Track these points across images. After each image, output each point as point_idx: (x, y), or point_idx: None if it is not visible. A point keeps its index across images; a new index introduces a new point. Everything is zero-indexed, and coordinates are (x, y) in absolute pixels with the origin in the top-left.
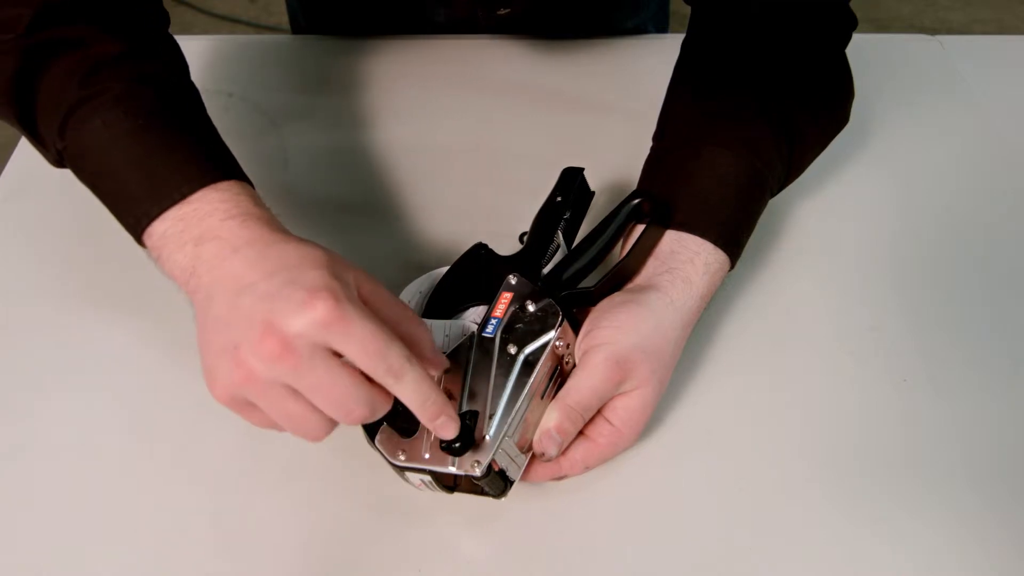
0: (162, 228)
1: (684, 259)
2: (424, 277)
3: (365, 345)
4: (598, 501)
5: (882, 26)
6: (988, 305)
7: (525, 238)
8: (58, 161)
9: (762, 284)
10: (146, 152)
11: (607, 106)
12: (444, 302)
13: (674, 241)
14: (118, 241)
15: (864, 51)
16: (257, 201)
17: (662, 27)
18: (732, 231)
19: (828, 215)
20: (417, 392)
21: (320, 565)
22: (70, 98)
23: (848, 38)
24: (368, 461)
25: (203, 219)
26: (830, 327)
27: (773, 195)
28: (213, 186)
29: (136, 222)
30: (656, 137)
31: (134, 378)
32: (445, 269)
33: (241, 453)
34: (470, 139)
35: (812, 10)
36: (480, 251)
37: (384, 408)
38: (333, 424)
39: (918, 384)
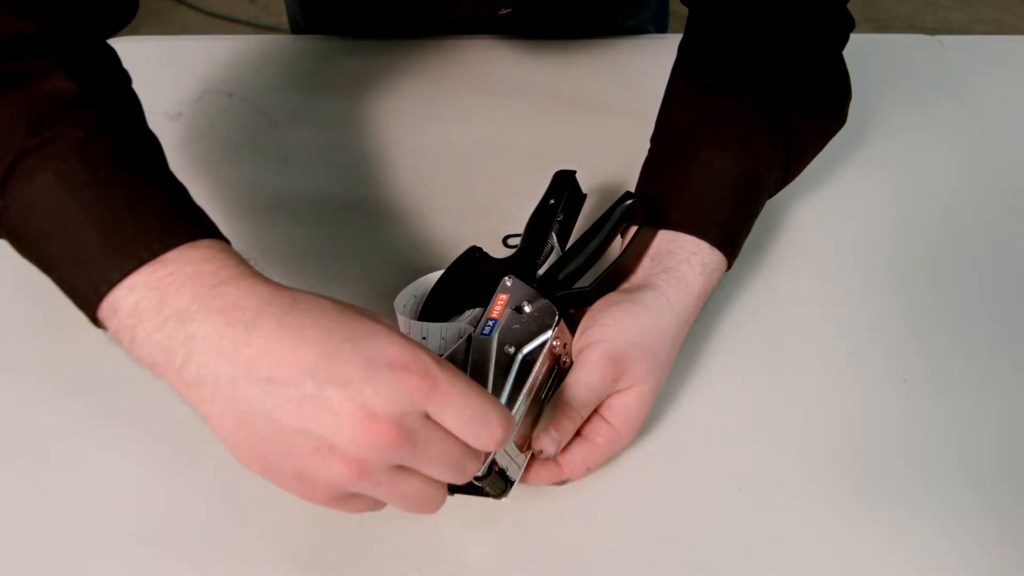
0: (132, 300)
1: (681, 259)
2: (418, 281)
3: (461, 411)
4: (597, 501)
5: (882, 26)
6: (988, 305)
7: (514, 240)
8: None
9: (761, 284)
10: (108, 207)
11: (607, 106)
12: (440, 306)
13: (671, 241)
14: None
15: (864, 51)
16: (243, 262)
17: (662, 27)
18: (729, 231)
19: (827, 215)
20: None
21: (320, 565)
22: (15, 146)
23: (846, 38)
24: None
25: (185, 286)
26: (829, 327)
27: (770, 196)
28: (191, 244)
29: (92, 290)
30: (654, 138)
31: (137, 374)
32: (439, 273)
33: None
34: (470, 139)
35: (809, 11)
36: (474, 254)
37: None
38: (446, 488)
39: (918, 384)
